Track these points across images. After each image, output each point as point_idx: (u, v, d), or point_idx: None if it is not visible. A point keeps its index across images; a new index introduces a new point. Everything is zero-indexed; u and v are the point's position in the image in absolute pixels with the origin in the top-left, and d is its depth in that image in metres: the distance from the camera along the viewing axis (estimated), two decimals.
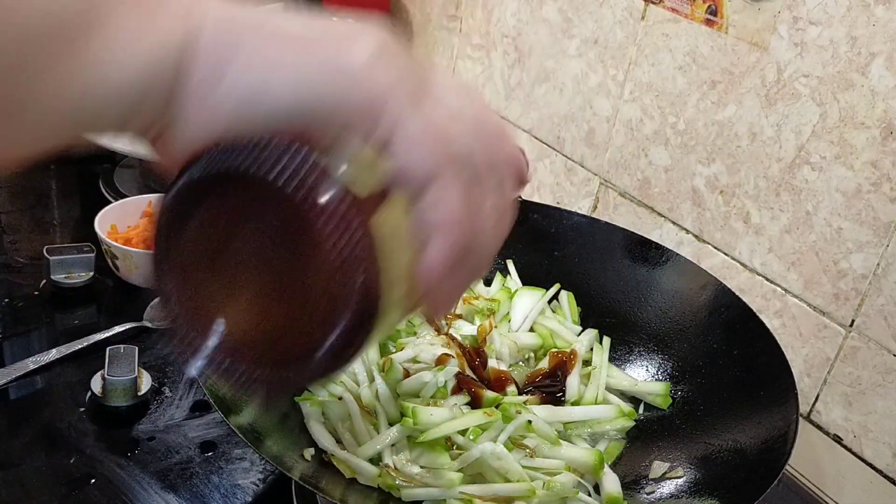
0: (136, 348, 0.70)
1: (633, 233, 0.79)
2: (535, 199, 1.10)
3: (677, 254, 0.76)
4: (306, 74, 0.31)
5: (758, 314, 0.68)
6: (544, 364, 0.70)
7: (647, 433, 0.66)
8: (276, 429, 0.59)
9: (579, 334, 0.74)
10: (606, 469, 0.60)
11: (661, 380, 0.70)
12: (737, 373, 0.66)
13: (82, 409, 0.68)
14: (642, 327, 0.74)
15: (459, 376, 0.64)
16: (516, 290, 0.77)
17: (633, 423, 0.66)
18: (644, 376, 0.72)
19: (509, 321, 0.75)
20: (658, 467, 0.61)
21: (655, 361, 0.72)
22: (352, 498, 0.55)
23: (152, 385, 0.70)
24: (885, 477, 0.75)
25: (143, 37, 0.29)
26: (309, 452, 0.58)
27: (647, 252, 0.77)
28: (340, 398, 0.62)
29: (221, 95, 0.30)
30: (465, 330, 0.71)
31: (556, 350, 0.70)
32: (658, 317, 0.73)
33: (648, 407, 0.69)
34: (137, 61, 0.28)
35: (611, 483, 0.59)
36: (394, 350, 0.68)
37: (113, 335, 0.76)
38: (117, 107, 0.29)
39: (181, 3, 0.30)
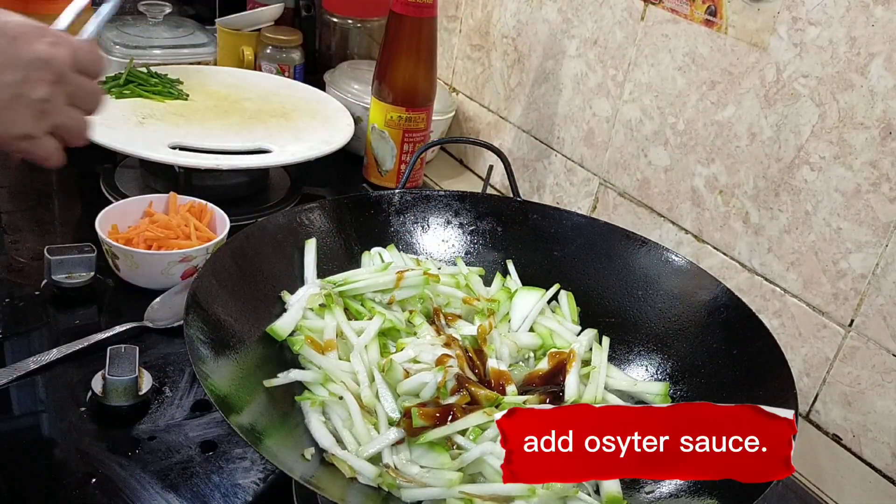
0: (137, 348, 0.70)
1: (632, 233, 0.79)
2: (535, 199, 1.10)
3: (676, 254, 0.76)
4: None
5: (757, 314, 0.68)
6: (544, 364, 0.70)
7: None
8: (277, 429, 0.59)
9: (578, 334, 0.74)
10: None
11: (661, 379, 0.71)
12: (736, 372, 0.66)
13: (83, 409, 0.68)
14: (642, 327, 0.74)
15: (459, 376, 0.64)
16: (516, 290, 0.77)
17: None
18: (644, 376, 0.72)
19: (509, 321, 0.75)
20: None
21: (655, 361, 0.72)
22: (352, 498, 0.55)
23: (153, 385, 0.70)
24: (885, 476, 0.75)
25: None
26: (309, 452, 0.58)
27: (646, 252, 0.77)
28: (341, 398, 0.62)
29: None
30: (465, 330, 0.71)
31: (555, 350, 0.70)
32: (657, 317, 0.74)
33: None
34: None
35: (611, 482, 0.59)
36: (394, 350, 0.68)
37: (114, 335, 0.76)
38: None
39: None
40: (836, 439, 0.78)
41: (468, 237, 0.83)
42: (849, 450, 0.77)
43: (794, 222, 0.79)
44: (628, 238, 0.78)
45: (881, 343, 0.73)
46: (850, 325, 0.75)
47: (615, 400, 0.68)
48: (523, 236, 0.82)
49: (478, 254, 0.83)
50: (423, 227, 0.83)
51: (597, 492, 0.59)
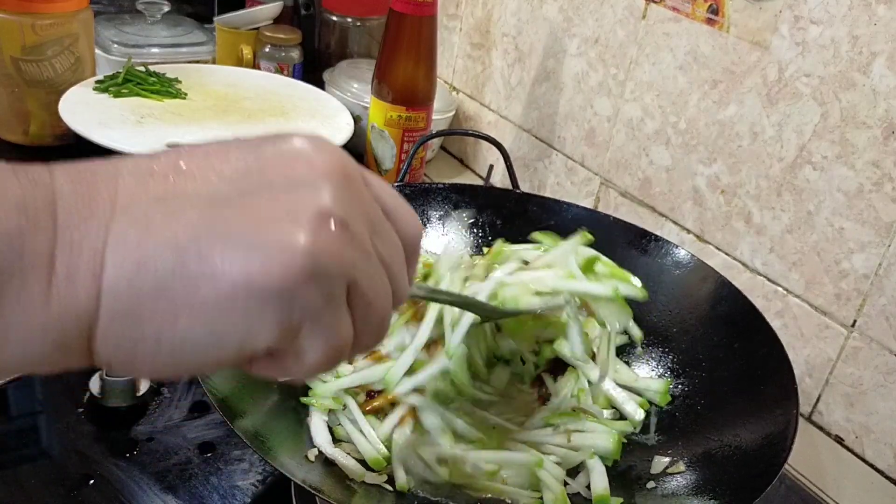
0: None
1: (633, 225, 0.78)
2: None
3: (678, 246, 0.75)
4: (221, 324, 0.29)
5: (757, 307, 0.68)
6: None
7: (647, 427, 0.66)
8: (278, 430, 0.58)
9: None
10: (595, 462, 0.59)
11: (662, 373, 0.70)
12: (737, 367, 0.65)
13: (81, 410, 0.68)
14: (642, 320, 0.73)
15: None
16: None
17: (631, 429, 0.65)
18: (644, 370, 0.71)
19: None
20: (659, 462, 0.61)
21: (656, 355, 0.72)
22: (354, 499, 0.55)
23: (151, 386, 0.70)
24: (887, 478, 0.75)
25: (42, 316, 0.28)
26: (312, 453, 0.58)
27: (647, 245, 0.76)
28: (345, 406, 0.62)
29: (139, 362, 0.30)
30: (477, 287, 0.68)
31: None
32: (659, 310, 0.73)
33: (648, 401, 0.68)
34: (34, 345, 0.28)
35: (599, 481, 0.58)
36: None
37: None
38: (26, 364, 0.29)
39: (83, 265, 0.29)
40: (839, 440, 0.78)
41: (468, 230, 0.83)
42: (851, 451, 0.77)
43: (796, 222, 0.78)
44: (629, 230, 0.78)
45: (884, 344, 0.73)
46: (853, 325, 0.75)
47: (625, 370, 0.68)
48: (523, 228, 0.81)
49: (478, 246, 0.82)
50: (422, 220, 0.82)
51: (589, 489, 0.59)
